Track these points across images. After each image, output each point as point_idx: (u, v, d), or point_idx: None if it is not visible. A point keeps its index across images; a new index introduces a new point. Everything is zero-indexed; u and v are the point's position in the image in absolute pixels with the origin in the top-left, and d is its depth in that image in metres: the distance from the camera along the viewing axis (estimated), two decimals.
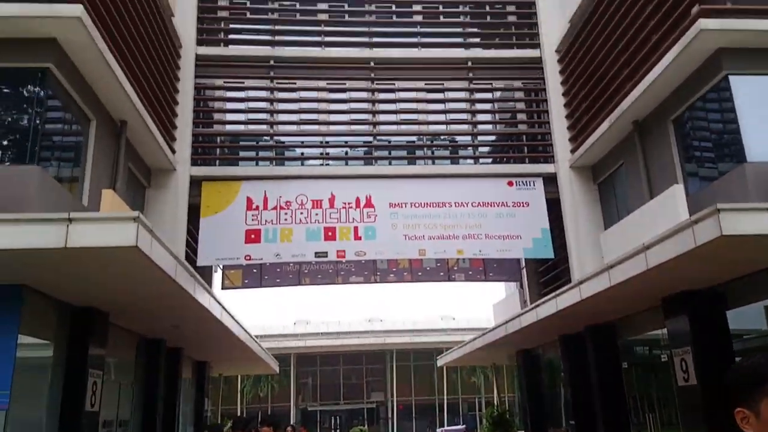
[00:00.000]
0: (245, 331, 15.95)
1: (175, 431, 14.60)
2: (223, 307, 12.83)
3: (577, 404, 15.20)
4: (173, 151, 14.69)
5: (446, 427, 24.08)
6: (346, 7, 17.31)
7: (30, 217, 7.05)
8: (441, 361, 26.26)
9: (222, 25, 17.39)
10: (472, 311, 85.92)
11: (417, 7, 17.45)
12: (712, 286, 9.96)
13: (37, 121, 9.45)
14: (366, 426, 49.86)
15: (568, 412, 16.25)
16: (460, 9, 17.53)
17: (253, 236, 15.11)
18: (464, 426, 23.72)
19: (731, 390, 1.35)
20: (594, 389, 14.15)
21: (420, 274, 20.76)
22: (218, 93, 16.64)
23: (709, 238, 7.56)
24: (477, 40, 17.53)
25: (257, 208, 15.27)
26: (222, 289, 18.76)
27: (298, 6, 17.25)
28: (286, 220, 15.36)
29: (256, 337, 21.56)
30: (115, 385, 11.88)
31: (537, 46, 17.12)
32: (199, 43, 16.21)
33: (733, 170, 10.67)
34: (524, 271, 19.58)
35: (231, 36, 17.59)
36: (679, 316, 10.45)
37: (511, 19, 17.93)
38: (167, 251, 8.07)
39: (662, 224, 11.02)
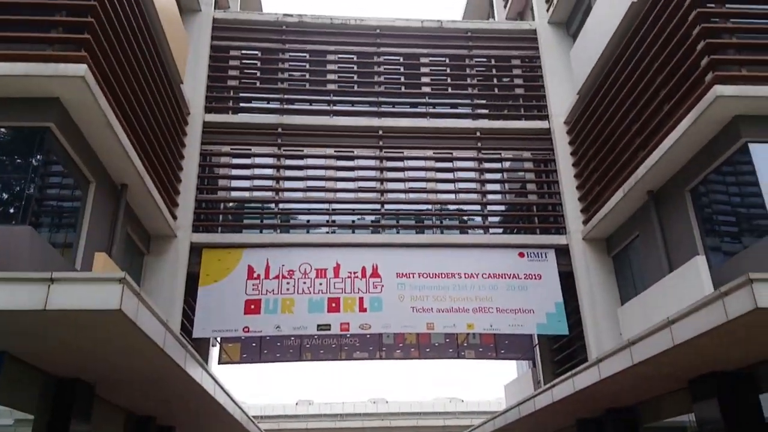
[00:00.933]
0: (242, 410, 15.05)
1: None
2: (217, 383, 12.04)
3: None
4: (174, 218, 14.36)
5: None
6: (356, 78, 17.47)
7: (11, 276, 6.56)
8: None
9: (231, 93, 17.52)
10: (482, 393, 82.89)
11: (425, 79, 17.59)
12: (745, 366, 9.17)
13: (34, 181, 9.17)
14: None
15: None
16: (468, 81, 17.64)
17: (252, 307, 14.49)
18: None
19: None
20: None
21: (428, 350, 19.85)
22: (224, 159, 16.51)
23: (742, 311, 6.92)
24: (485, 111, 17.53)
25: (258, 277, 14.73)
26: (219, 363, 17.92)
27: (307, 76, 17.43)
28: (288, 290, 14.78)
29: (255, 417, 20.47)
30: None
31: (545, 117, 17.07)
32: (208, 110, 16.26)
33: (761, 241, 10.12)
34: (537, 349, 18.65)
35: (240, 104, 17.69)
36: (708, 400, 9.58)
37: (519, 91, 18.00)
38: (156, 318, 7.51)
39: (685, 298, 10.39)
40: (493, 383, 62.20)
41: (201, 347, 15.09)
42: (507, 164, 17.41)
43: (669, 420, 12.06)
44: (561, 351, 17.66)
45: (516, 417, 15.21)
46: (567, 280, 15.58)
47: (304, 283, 14.90)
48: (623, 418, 12.91)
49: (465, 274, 15.40)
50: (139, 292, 6.81)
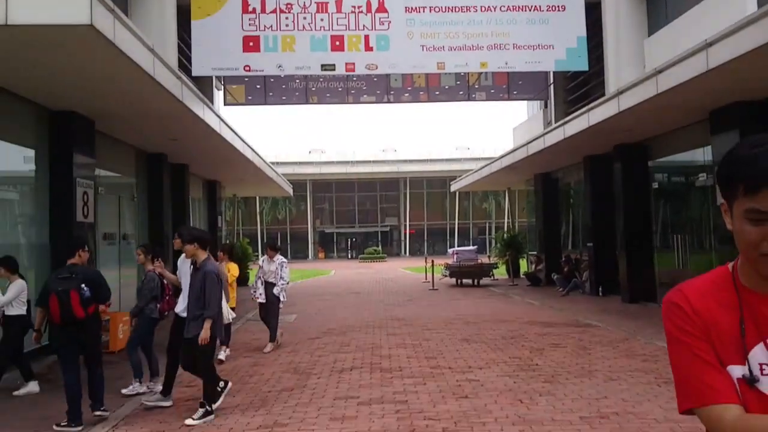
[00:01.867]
0: (251, 148, 15.16)
1: None
2: (222, 120, 11.84)
3: (596, 227, 14.70)
4: None
5: (457, 248, 24.30)
6: None
7: None
8: (456, 185, 25.86)
9: None
10: (488, 141, 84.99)
11: None
12: None
13: None
14: (380, 247, 51.77)
15: (585, 235, 15.87)
16: None
17: (251, 44, 13.56)
18: (476, 247, 23.87)
19: (717, 179, 1.17)
20: (617, 211, 13.49)
21: (437, 93, 19.31)
22: None
23: None
24: None
25: (254, 11, 13.50)
26: (225, 104, 17.66)
27: None
28: (287, 26, 13.66)
29: (272, 163, 21.01)
30: (114, 199, 11.37)
31: None
32: None
33: None
34: (551, 88, 18.04)
35: None
36: (728, 132, 9.28)
37: None
38: (140, 41, 6.82)
39: (723, 23, 9.35)
40: (499, 132, 62.97)
41: (204, 89, 14.57)
42: None
43: (676, 157, 12.01)
44: (575, 90, 17.09)
45: (524, 155, 15.34)
46: (592, 13, 14.24)
47: (305, 18, 13.70)
48: (632, 153, 12.91)
49: (481, 7, 14.03)
50: (113, 8, 6.01)
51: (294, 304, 15.11)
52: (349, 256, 52.93)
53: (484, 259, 22.22)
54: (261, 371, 7.20)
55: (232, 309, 7.68)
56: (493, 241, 30.91)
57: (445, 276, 20.11)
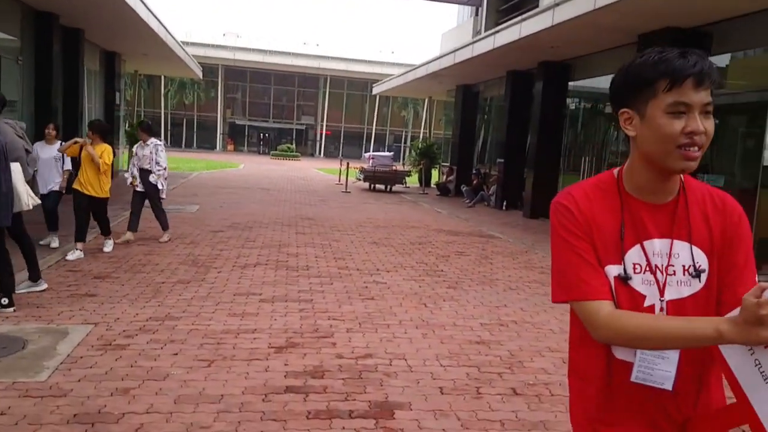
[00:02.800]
0: (157, 19, 13.67)
1: (80, 121, 13.19)
2: None
3: (510, 144, 14.89)
4: None
5: (373, 152, 24.09)
6: None
7: None
8: (378, 88, 25.19)
9: None
10: (415, 48, 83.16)
11: None
12: (702, 25, 8.71)
13: None
14: (294, 145, 50.63)
15: (498, 151, 16.08)
16: None
17: None
18: (392, 153, 23.77)
19: (617, 90, 1.26)
20: (531, 130, 13.66)
21: None
22: None
23: None
24: None
25: None
26: None
27: None
28: None
29: (183, 43, 19.17)
30: None
31: None
32: None
33: None
34: None
35: None
36: None
37: None
38: None
39: None
40: (428, 41, 61.68)
41: None
42: None
43: (598, 81, 12.12)
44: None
45: (450, 63, 14.96)
46: None
47: None
48: (556, 71, 12.90)
49: None
50: None
51: (196, 194, 14.45)
52: (261, 152, 51.43)
53: (398, 167, 22.20)
54: (155, 261, 6.77)
55: (105, 200, 6.91)
56: (409, 150, 30.94)
57: (359, 180, 19.95)
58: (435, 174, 22.19)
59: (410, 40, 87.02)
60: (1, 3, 9.99)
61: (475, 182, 16.50)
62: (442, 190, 18.94)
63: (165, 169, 7.93)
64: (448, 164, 20.38)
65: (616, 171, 1.32)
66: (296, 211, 12.42)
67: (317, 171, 29.26)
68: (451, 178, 19.15)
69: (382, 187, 19.38)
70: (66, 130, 11.30)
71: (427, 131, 25.00)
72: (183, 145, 50.66)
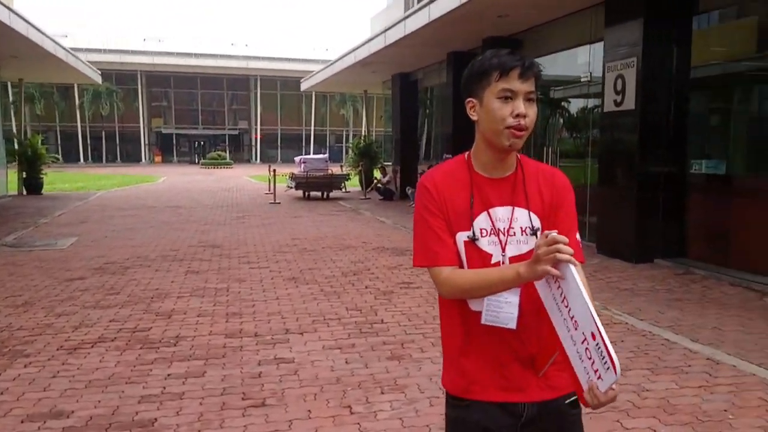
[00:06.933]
0: (23, 19, 11.08)
1: None
2: None
3: (457, 137, 12.85)
4: None
5: (305, 156, 21.74)
6: None
7: None
8: (306, 83, 22.82)
9: None
10: (347, 42, 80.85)
11: None
12: None
13: None
14: (228, 152, 47.59)
15: (445, 146, 14.09)
16: None
17: None
18: (326, 155, 21.48)
19: (465, 83, 1.49)
20: None
21: None
22: None
23: None
24: None
25: None
26: None
27: None
28: None
29: (97, 50, 16.41)
30: None
31: None
32: None
33: None
34: None
35: None
36: (627, 22, 7.51)
37: None
38: None
39: None
40: (360, 31, 59.58)
41: None
42: None
43: (550, 59, 10.24)
44: None
45: (381, 46, 12.84)
46: None
47: None
48: (504, 48, 10.95)
49: None
50: None
51: (86, 221, 11.80)
52: (193, 161, 48.11)
53: (335, 169, 19.96)
54: None
55: None
56: (348, 150, 28.78)
57: (291, 188, 17.60)
58: (378, 175, 20.05)
59: (344, 36, 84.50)
60: None
61: None
62: (385, 193, 16.82)
63: None
64: (390, 164, 18.30)
65: (466, 154, 1.54)
66: (202, 235, 9.99)
67: (248, 179, 26.67)
68: (386, 179, 17.06)
69: (319, 194, 17.12)
70: None
71: (368, 129, 22.84)
72: (104, 160, 46.80)
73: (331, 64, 17.93)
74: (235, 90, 52.05)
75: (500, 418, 1.46)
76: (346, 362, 4.11)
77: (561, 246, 1.23)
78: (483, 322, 1.42)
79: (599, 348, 1.20)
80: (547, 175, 1.52)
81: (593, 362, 1.23)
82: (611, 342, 1.20)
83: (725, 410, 3.34)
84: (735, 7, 7.50)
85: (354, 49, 15.10)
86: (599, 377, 1.22)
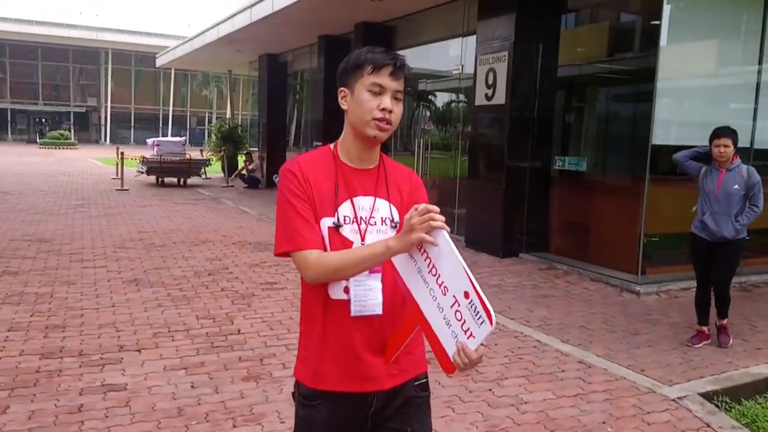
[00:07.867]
0: None
1: None
2: None
3: (328, 124, 12.34)
4: None
5: (160, 138, 19.99)
6: None
7: None
8: (161, 60, 20.96)
9: None
10: (211, 19, 76.58)
11: None
12: None
13: None
14: (72, 131, 43.08)
15: (314, 132, 13.53)
16: None
17: None
18: (183, 138, 19.92)
19: (340, 73, 1.52)
20: None
21: None
22: None
23: None
24: None
25: None
26: None
27: None
28: None
29: None
30: None
31: None
32: None
33: None
34: None
35: None
36: (502, 16, 7.46)
37: None
38: None
39: None
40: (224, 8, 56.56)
41: None
42: None
43: (423, 50, 10.08)
44: None
45: (246, 22, 11.90)
46: None
47: None
48: (375, 37, 10.60)
49: None
50: None
51: None
52: (32, 141, 42.84)
53: (195, 154, 18.54)
54: None
55: None
56: (209, 133, 27.12)
57: (141, 173, 16.00)
58: (241, 162, 18.96)
59: (209, 12, 79.53)
60: None
61: None
62: (251, 181, 15.88)
63: None
64: (256, 149, 17.35)
65: (332, 145, 1.55)
66: (28, 227, 8.55)
67: (94, 162, 24.10)
68: (252, 166, 16.15)
69: (175, 180, 15.74)
70: None
71: (232, 112, 21.52)
72: None
73: (191, 39, 16.52)
74: (83, 63, 47.09)
75: (350, 411, 1.48)
76: (192, 386, 3.45)
77: (434, 215, 1.29)
78: (353, 314, 1.44)
79: (472, 305, 1.23)
80: (405, 173, 1.60)
81: (464, 323, 1.25)
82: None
83: (604, 422, 3.20)
84: (589, 11, 7.75)
85: (216, 24, 13.94)
86: (470, 335, 1.24)
